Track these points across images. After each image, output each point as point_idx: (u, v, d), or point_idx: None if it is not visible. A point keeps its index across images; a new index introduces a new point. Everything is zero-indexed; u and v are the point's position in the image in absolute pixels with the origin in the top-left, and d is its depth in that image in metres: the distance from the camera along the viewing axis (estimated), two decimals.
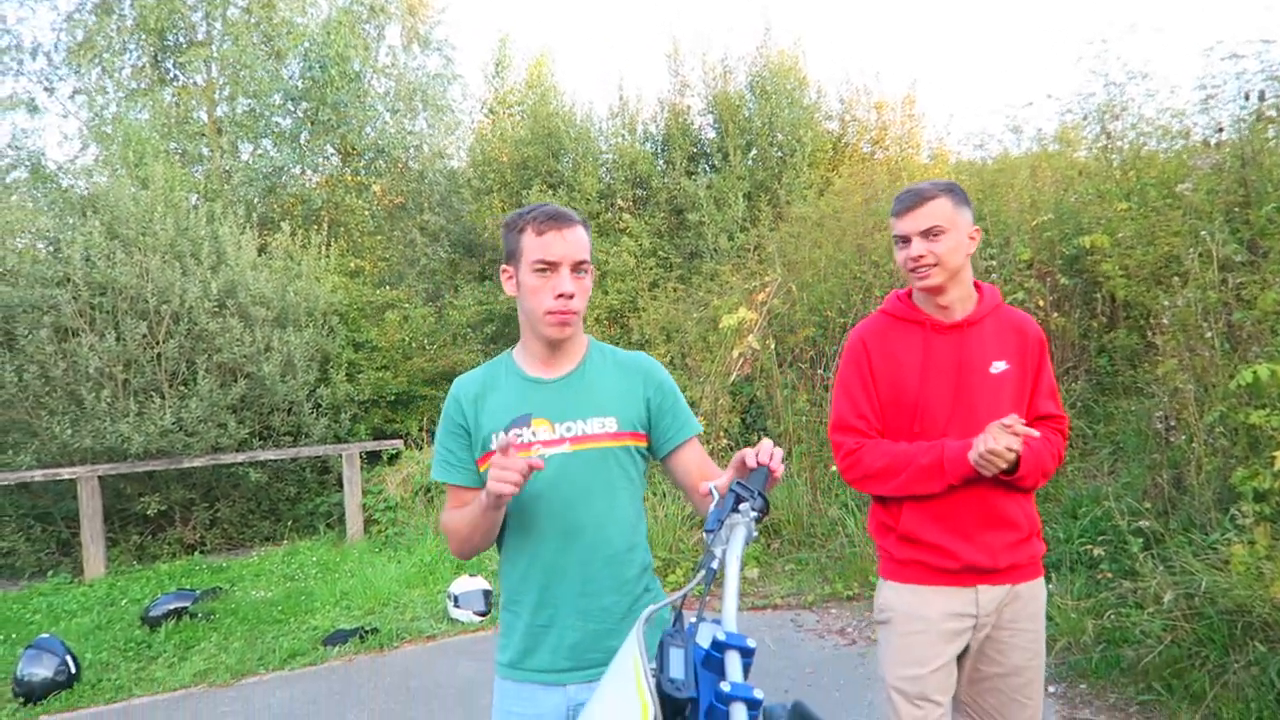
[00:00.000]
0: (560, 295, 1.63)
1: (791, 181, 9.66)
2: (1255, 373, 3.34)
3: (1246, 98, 4.81)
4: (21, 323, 7.04)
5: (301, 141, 12.99)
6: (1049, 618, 2.52)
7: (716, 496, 1.43)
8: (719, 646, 1.12)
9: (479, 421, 1.72)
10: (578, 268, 1.65)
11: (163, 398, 7.36)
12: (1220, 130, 4.96)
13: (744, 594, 5.18)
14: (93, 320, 7.29)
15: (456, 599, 5.19)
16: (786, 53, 10.60)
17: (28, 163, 13.16)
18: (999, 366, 2.03)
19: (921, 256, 1.98)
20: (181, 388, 7.62)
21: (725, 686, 1.04)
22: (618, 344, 1.79)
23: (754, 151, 10.24)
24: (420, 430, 8.92)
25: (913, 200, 2.00)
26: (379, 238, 13.00)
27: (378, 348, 9.33)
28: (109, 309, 7.35)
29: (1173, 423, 4.15)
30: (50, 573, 6.86)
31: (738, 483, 1.40)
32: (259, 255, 8.79)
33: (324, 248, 9.62)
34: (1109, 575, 3.85)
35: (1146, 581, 3.52)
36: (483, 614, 5.15)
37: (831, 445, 2.15)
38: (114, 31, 13.33)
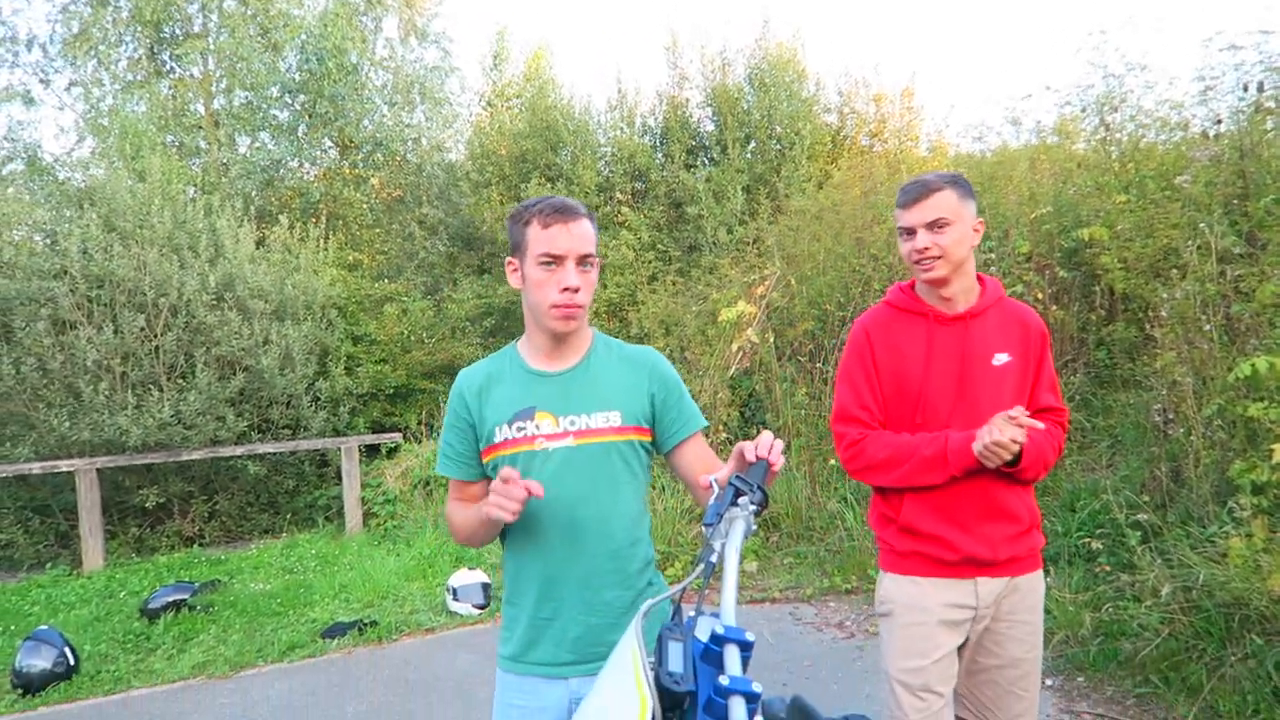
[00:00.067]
0: (566, 289, 1.62)
1: (790, 174, 9.65)
2: (1254, 365, 3.34)
3: (1245, 89, 4.79)
4: (19, 315, 7.02)
5: (299, 134, 12.96)
6: (1047, 611, 2.53)
7: (716, 490, 1.43)
8: (717, 640, 1.12)
9: (483, 414, 1.72)
10: (583, 261, 1.64)
11: (161, 390, 7.35)
12: (1219, 122, 4.95)
13: (742, 587, 5.19)
14: (90, 313, 7.28)
15: (455, 592, 5.20)
16: (785, 45, 10.57)
17: (24, 155, 13.13)
18: (1001, 359, 2.03)
19: (926, 249, 1.98)
20: (180, 380, 7.61)
21: (724, 680, 1.04)
22: (616, 338, 1.78)
23: (753, 144, 10.23)
24: (419, 423, 8.92)
25: (918, 192, 2.00)
26: (377, 231, 12.98)
27: (376, 341, 9.32)
28: (106, 302, 7.33)
29: (1171, 416, 4.15)
30: (49, 565, 6.87)
31: (737, 476, 1.40)
32: (257, 248, 8.76)
33: (322, 241, 9.60)
34: (1107, 568, 3.86)
35: (1144, 574, 3.53)
36: (481, 607, 5.15)
37: (834, 436, 2.14)
38: (110, 23, 13.28)
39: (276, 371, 7.91)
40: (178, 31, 13.65)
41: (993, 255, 5.42)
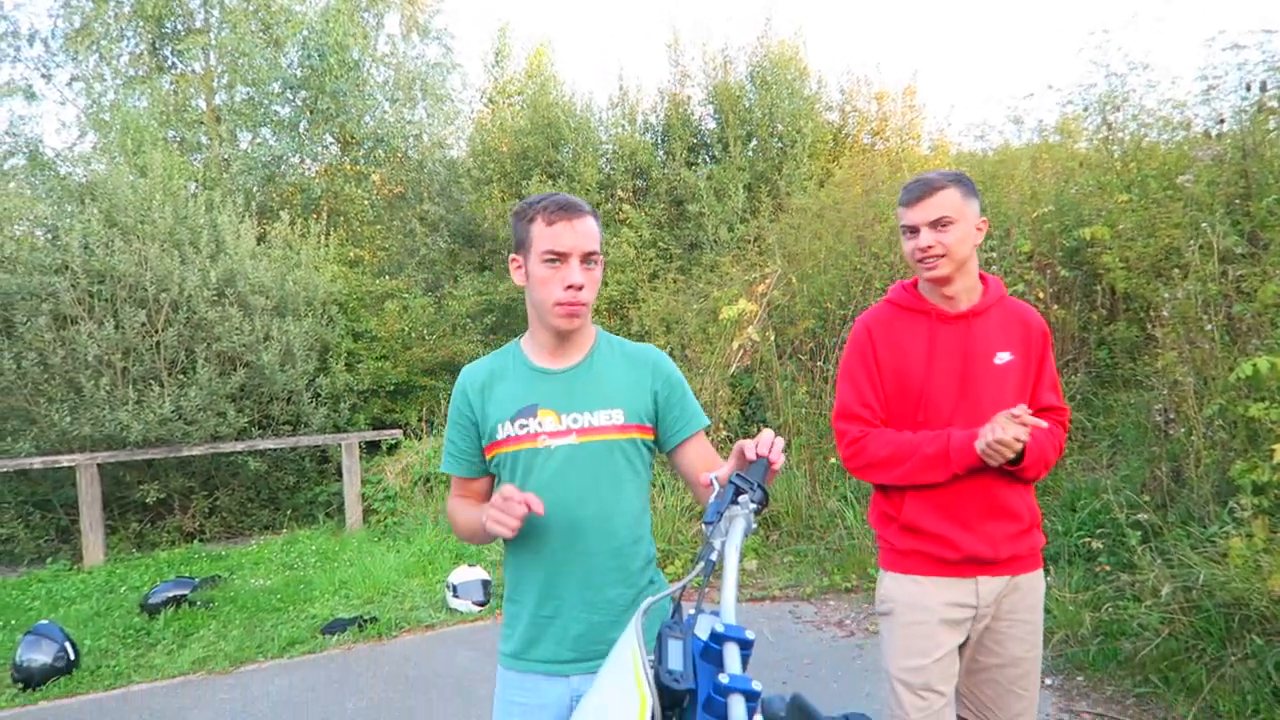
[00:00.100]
0: (569, 286, 1.61)
1: (792, 173, 9.64)
2: (1255, 365, 3.34)
3: (1248, 88, 4.79)
4: (20, 310, 7.03)
5: (300, 130, 12.95)
6: (1047, 610, 2.53)
7: (717, 488, 1.43)
8: (717, 638, 1.12)
9: (485, 411, 1.72)
10: (587, 258, 1.64)
11: (162, 386, 7.36)
12: (1221, 121, 4.94)
13: (742, 586, 5.19)
14: (91, 308, 7.28)
15: (455, 589, 5.20)
16: (787, 43, 10.55)
17: (25, 150, 13.13)
18: (1003, 357, 2.03)
19: (930, 247, 1.97)
20: (181, 376, 7.61)
21: (723, 678, 1.04)
22: (617, 335, 1.77)
23: (754, 142, 10.21)
24: (419, 420, 8.93)
25: (922, 190, 1.99)
26: (378, 227, 12.97)
27: (377, 337, 9.33)
28: (108, 297, 7.34)
29: (1172, 415, 4.15)
30: (49, 560, 6.88)
31: (737, 474, 1.39)
32: (258, 244, 8.76)
33: (323, 237, 9.60)
34: (1107, 568, 3.86)
35: (1144, 574, 3.53)
36: (481, 604, 5.16)
37: (835, 433, 2.14)
38: (111, 18, 13.27)
39: (277, 367, 7.91)
40: (179, 26, 13.65)
41: (994, 254, 5.42)
